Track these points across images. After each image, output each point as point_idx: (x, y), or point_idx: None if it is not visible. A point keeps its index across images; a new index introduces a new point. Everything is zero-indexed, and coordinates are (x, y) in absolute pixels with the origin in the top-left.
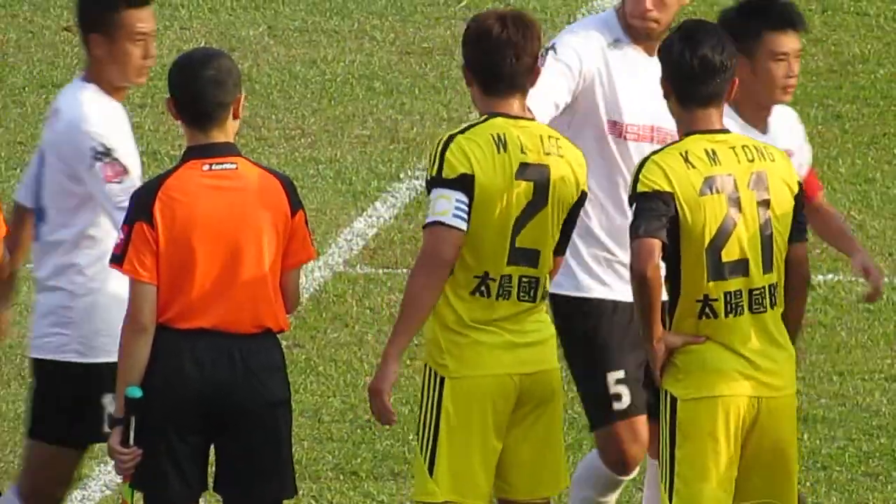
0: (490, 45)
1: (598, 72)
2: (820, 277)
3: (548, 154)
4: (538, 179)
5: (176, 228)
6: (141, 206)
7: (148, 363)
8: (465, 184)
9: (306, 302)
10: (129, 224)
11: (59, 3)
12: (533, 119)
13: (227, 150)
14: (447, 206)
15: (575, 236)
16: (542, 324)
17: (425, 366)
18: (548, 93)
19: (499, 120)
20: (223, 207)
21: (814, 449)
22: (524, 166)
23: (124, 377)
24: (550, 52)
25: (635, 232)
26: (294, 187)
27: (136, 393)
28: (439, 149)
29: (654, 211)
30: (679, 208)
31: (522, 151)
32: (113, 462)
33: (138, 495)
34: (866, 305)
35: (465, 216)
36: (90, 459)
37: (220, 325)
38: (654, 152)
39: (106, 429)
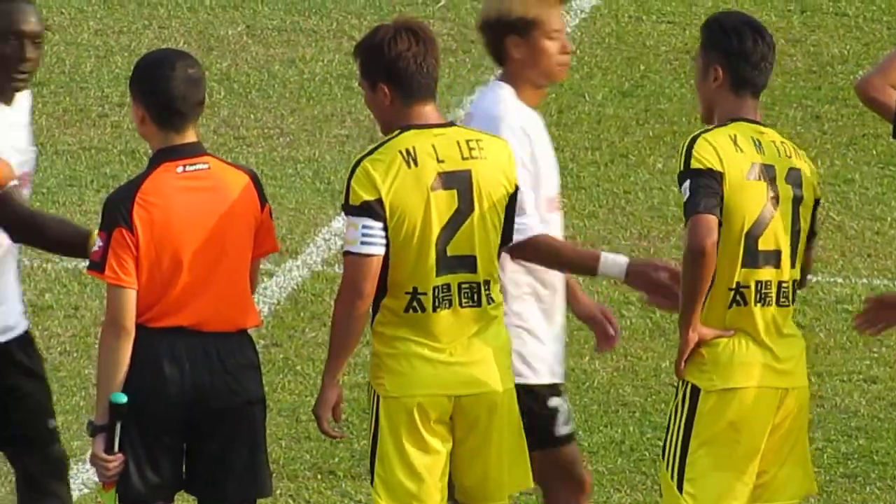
0: (400, 56)
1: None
2: None
3: (467, 159)
4: (460, 187)
5: (155, 231)
6: (119, 212)
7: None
8: (370, 209)
9: (284, 301)
10: (106, 231)
11: (38, 1)
12: (450, 124)
13: (198, 150)
14: (355, 234)
15: None
16: (490, 338)
17: (368, 383)
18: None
19: (409, 133)
20: (200, 208)
21: None
22: (443, 175)
23: (107, 382)
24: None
25: (694, 208)
26: (260, 181)
27: (122, 398)
28: (348, 175)
29: (709, 188)
30: (726, 189)
31: (439, 161)
32: (94, 468)
33: None
34: (845, 307)
35: (376, 240)
36: (69, 457)
37: (199, 324)
38: (704, 131)
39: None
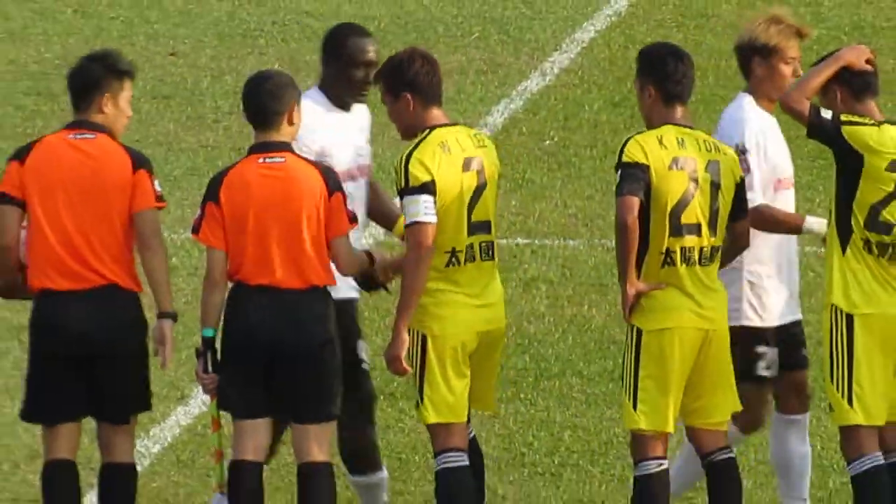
0: (418, 72)
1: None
2: None
3: (479, 147)
4: (479, 168)
5: (236, 207)
6: (212, 190)
7: (225, 310)
8: (427, 188)
9: None
10: (203, 204)
11: (167, 33)
12: (456, 123)
13: (280, 146)
14: (417, 208)
15: None
16: (497, 285)
17: (410, 329)
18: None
19: (438, 131)
20: (272, 191)
21: None
22: (467, 160)
23: (203, 320)
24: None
25: (620, 192)
26: (332, 174)
27: (210, 333)
28: (403, 165)
29: (633, 176)
30: (651, 178)
31: (463, 149)
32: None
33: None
34: None
35: (433, 210)
36: (190, 382)
37: (277, 283)
38: (637, 133)
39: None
